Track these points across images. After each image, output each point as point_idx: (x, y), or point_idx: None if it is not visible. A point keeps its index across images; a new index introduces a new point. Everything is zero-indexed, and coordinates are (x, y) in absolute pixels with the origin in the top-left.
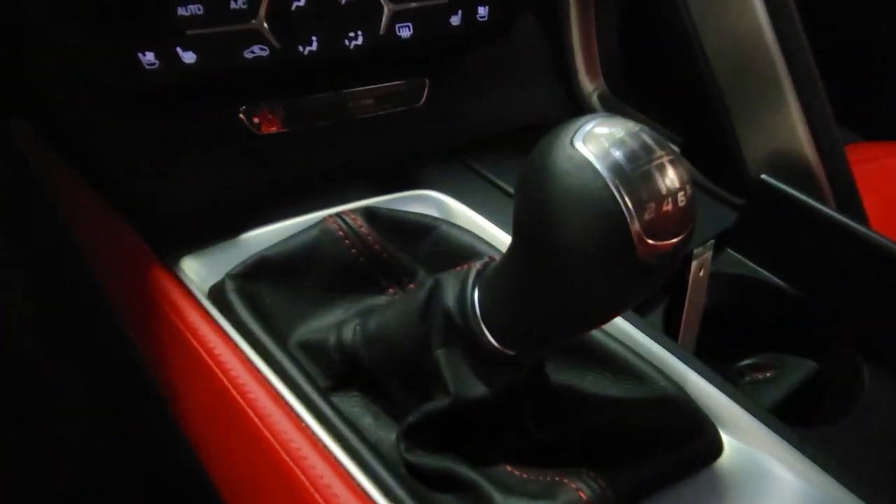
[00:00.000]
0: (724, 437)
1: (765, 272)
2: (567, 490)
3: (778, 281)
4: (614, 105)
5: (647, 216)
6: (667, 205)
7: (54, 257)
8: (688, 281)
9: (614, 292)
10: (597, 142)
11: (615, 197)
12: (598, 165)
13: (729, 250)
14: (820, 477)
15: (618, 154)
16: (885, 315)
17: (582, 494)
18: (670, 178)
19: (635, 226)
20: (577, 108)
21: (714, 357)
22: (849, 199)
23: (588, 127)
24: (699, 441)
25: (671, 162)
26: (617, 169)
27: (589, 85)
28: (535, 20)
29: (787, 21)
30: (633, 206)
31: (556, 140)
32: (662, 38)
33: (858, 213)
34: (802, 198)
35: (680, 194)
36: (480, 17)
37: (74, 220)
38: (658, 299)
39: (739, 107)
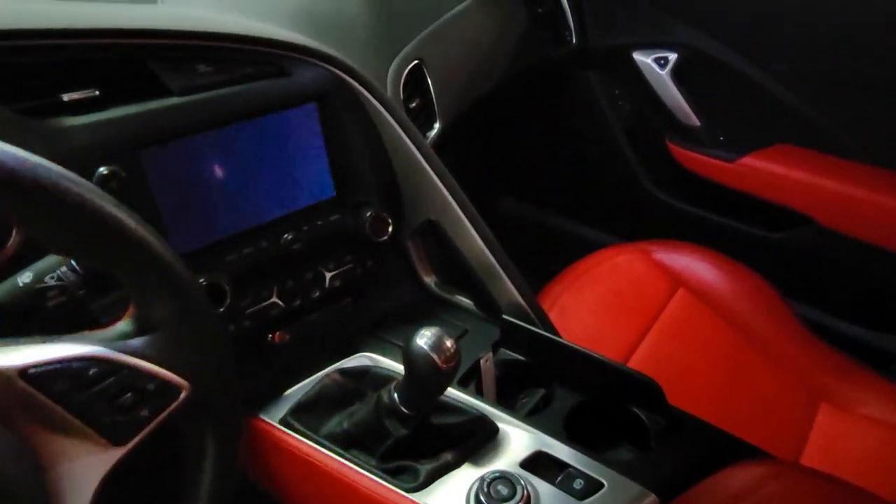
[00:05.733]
0: (500, 426)
1: (518, 356)
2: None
3: (525, 359)
4: (444, 289)
5: (435, 357)
6: (448, 353)
7: None
8: (480, 368)
9: (440, 382)
10: (424, 338)
11: (430, 355)
12: (425, 347)
13: (502, 349)
14: (528, 431)
15: (429, 342)
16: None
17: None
18: (448, 345)
19: (438, 363)
20: (426, 294)
21: (504, 398)
22: (545, 322)
23: (421, 332)
24: (486, 431)
25: (447, 339)
26: (429, 346)
27: (429, 280)
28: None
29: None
30: (437, 356)
31: (412, 337)
32: None
33: (550, 328)
34: (521, 324)
35: (453, 350)
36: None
37: None
38: (471, 379)
39: (491, 284)
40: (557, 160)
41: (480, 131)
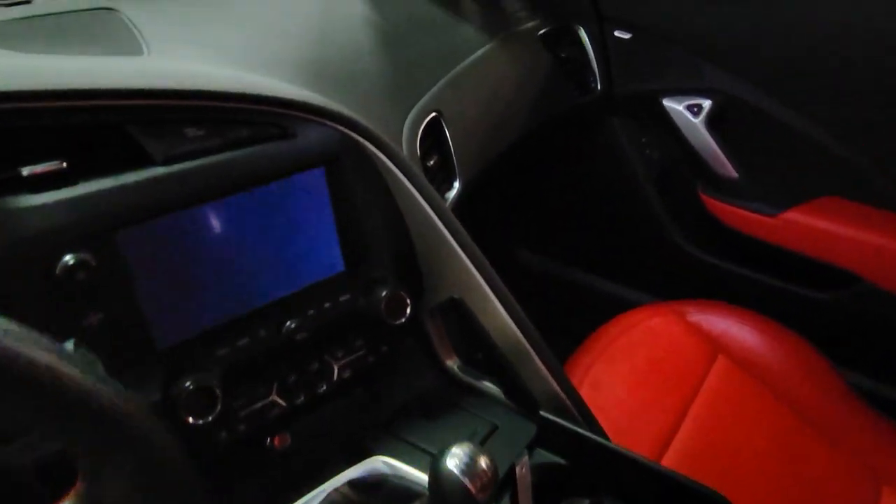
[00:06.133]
0: None
1: (556, 457)
2: None
3: (563, 461)
4: (469, 373)
5: (469, 484)
6: (484, 478)
7: None
8: (515, 476)
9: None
10: (454, 458)
11: (462, 482)
12: (455, 471)
13: (538, 449)
14: None
15: (461, 466)
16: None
17: None
18: (484, 467)
19: (472, 491)
20: (448, 378)
21: None
22: (586, 415)
23: (452, 451)
24: None
25: (482, 458)
26: (462, 469)
27: (451, 363)
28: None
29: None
30: (471, 482)
31: (440, 457)
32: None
33: (595, 426)
34: (563, 423)
35: (490, 474)
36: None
37: None
38: (505, 491)
39: (523, 370)
40: (579, 211)
41: (497, 180)
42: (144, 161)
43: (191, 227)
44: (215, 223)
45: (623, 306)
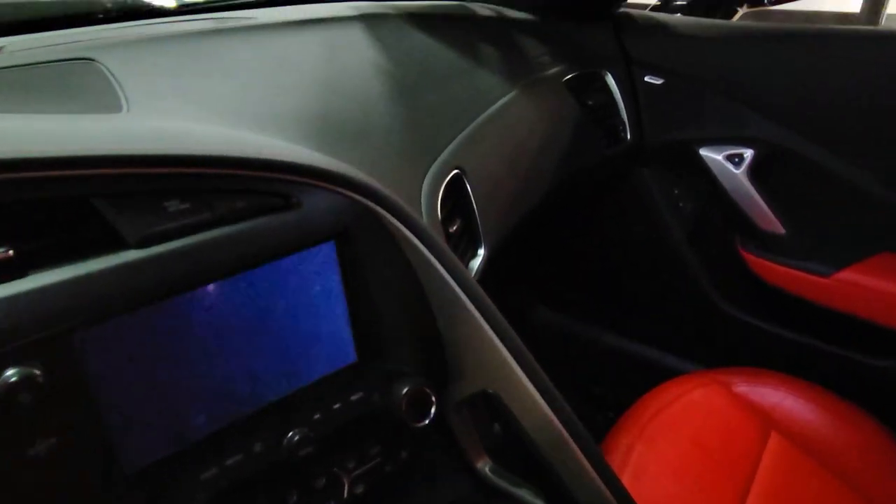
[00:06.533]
0: None
1: None
2: None
3: None
4: (503, 477)
5: None
6: None
7: None
8: None
9: None
10: None
11: None
12: None
13: None
14: None
15: None
16: None
17: None
18: None
19: None
20: (479, 484)
21: None
22: None
23: None
24: None
25: None
26: None
27: (481, 465)
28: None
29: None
30: None
31: None
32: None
33: None
34: None
35: None
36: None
37: None
38: None
39: (569, 479)
40: (605, 266)
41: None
42: (115, 243)
43: (168, 321)
44: (200, 314)
45: (655, 372)
